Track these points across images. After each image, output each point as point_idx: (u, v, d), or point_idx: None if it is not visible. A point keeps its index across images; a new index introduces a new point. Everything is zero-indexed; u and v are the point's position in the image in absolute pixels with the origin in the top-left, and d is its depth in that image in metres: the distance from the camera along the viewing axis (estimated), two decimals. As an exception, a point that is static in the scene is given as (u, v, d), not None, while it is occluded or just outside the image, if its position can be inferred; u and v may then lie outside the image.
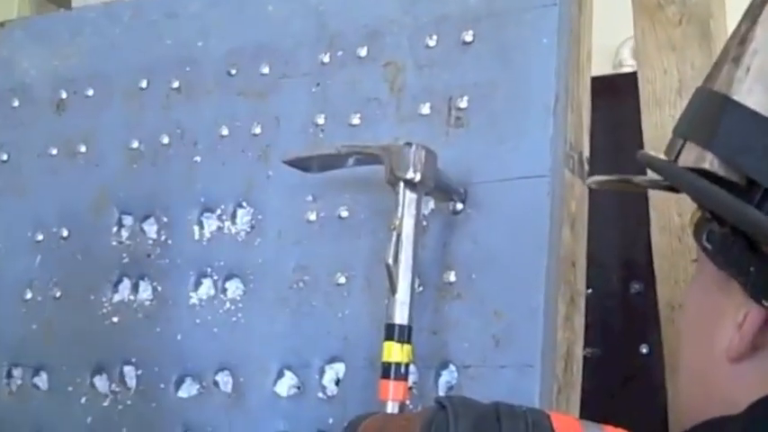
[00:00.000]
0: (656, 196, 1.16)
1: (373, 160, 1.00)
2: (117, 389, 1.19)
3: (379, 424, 0.76)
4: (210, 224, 1.20)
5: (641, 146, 1.17)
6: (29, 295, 1.30)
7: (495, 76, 1.06)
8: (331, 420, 1.04)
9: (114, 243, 1.26)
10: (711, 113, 0.60)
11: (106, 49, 1.35)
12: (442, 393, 0.98)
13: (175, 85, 1.27)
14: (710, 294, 0.63)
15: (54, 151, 1.35)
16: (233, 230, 1.18)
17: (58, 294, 1.28)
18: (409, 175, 0.94)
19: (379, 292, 1.03)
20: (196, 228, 1.20)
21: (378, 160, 0.98)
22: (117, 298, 1.24)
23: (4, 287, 1.33)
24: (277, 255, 1.13)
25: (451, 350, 0.99)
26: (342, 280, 1.08)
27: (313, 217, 1.12)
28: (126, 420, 1.18)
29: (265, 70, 1.21)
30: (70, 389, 1.23)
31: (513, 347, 0.96)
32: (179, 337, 1.17)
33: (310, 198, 1.13)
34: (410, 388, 0.96)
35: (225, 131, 1.21)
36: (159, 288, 1.21)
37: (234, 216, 1.18)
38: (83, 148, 1.33)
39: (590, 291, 1.07)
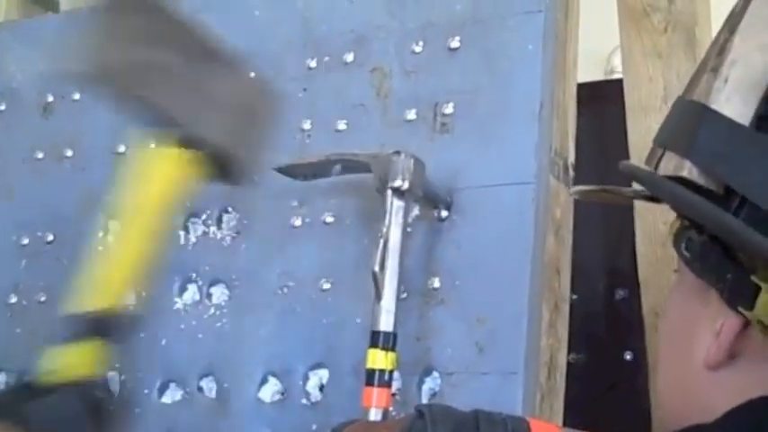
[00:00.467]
0: (641, 204, 1.16)
1: (362, 168, 1.00)
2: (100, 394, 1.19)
3: (359, 431, 0.76)
4: (196, 229, 1.20)
5: (627, 153, 1.17)
6: (13, 299, 1.29)
7: (481, 82, 1.06)
8: (315, 426, 1.04)
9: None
10: (690, 123, 0.60)
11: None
12: (425, 400, 0.98)
13: (162, 89, 1.27)
14: (690, 303, 0.64)
15: (40, 155, 1.35)
16: (218, 236, 1.18)
17: (42, 299, 1.27)
18: (397, 183, 0.95)
19: (364, 299, 1.03)
20: (182, 233, 1.20)
21: (366, 168, 0.99)
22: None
23: (-12, 291, 1.32)
24: (262, 260, 1.13)
25: (435, 357, 0.99)
26: (326, 286, 1.08)
27: (298, 222, 1.12)
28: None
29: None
30: (54, 394, 1.22)
31: (497, 354, 0.96)
32: (163, 343, 1.17)
33: (296, 204, 1.13)
34: (393, 395, 0.96)
35: (211, 136, 1.21)
36: (143, 293, 1.20)
37: (219, 221, 1.18)
38: (69, 152, 1.32)
39: (575, 297, 1.07)
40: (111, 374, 1.18)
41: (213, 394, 1.12)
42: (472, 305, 0.98)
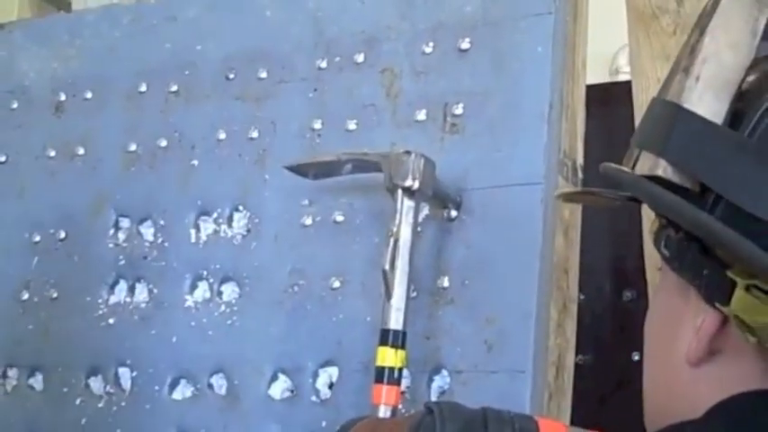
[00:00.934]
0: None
1: (372, 167, 1.01)
2: (112, 390, 1.20)
3: (368, 428, 0.77)
4: (207, 227, 1.21)
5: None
6: (25, 296, 1.31)
7: (491, 84, 1.07)
8: (324, 424, 1.05)
9: (111, 245, 1.27)
10: (664, 122, 0.61)
11: (105, 53, 1.36)
12: (434, 398, 0.99)
13: (174, 88, 1.28)
14: (671, 300, 0.65)
15: (52, 153, 1.36)
16: (229, 234, 1.19)
17: (54, 295, 1.29)
18: (408, 182, 0.96)
19: (374, 297, 1.04)
20: (193, 231, 1.21)
21: (377, 168, 0.99)
22: (113, 300, 1.24)
23: (0, 288, 1.33)
24: (273, 258, 1.14)
25: (444, 355, 1.00)
26: (336, 284, 1.08)
27: (309, 221, 1.13)
28: (120, 422, 1.18)
29: (263, 75, 1.22)
30: (65, 390, 1.23)
31: (505, 353, 0.97)
32: (174, 340, 1.18)
33: (306, 202, 1.13)
34: (402, 392, 0.97)
35: (222, 135, 1.22)
36: (155, 290, 1.22)
37: (230, 220, 1.19)
38: (81, 151, 1.33)
39: (582, 298, 1.08)
40: (123, 370, 1.20)
41: (223, 391, 1.13)
42: (481, 304, 0.99)
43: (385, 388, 0.91)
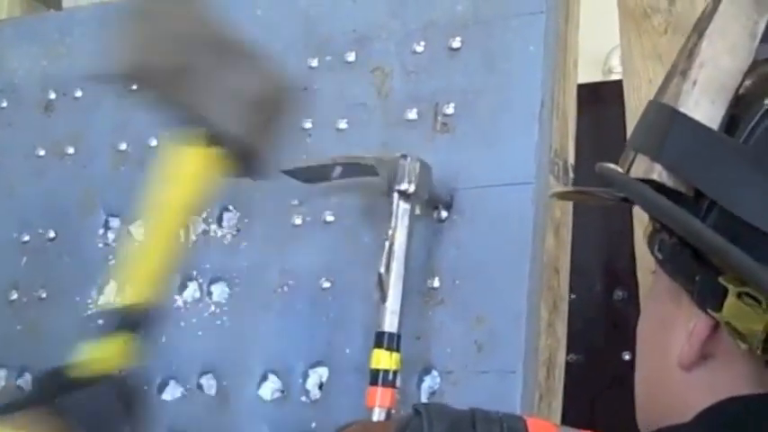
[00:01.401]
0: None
1: (368, 171, 1.01)
2: (101, 391, 1.19)
3: (358, 430, 0.76)
4: (197, 227, 1.20)
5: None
6: (14, 296, 1.30)
7: (482, 83, 1.07)
8: (314, 424, 1.04)
9: (101, 245, 1.26)
10: (660, 125, 0.61)
11: (96, 51, 1.35)
12: (424, 399, 0.99)
13: (164, 87, 1.27)
14: (665, 304, 0.64)
15: (42, 152, 1.35)
16: (219, 234, 1.18)
17: (43, 295, 1.28)
18: (404, 186, 0.96)
19: (364, 297, 1.04)
20: (182, 231, 1.20)
21: (373, 171, 0.99)
22: (103, 300, 1.24)
23: (-11, 288, 1.33)
24: (262, 259, 1.14)
25: (434, 355, 1.00)
26: (326, 284, 1.08)
27: (299, 221, 1.12)
28: (109, 422, 1.18)
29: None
30: (54, 390, 1.22)
31: (496, 353, 0.96)
32: (163, 340, 1.16)
33: (296, 202, 1.13)
34: (392, 393, 0.96)
35: (212, 135, 1.21)
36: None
37: (220, 219, 1.18)
38: (71, 150, 1.33)
39: (573, 297, 1.08)
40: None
41: (213, 392, 1.12)
42: (471, 304, 0.99)
43: (380, 390, 0.91)
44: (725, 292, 0.57)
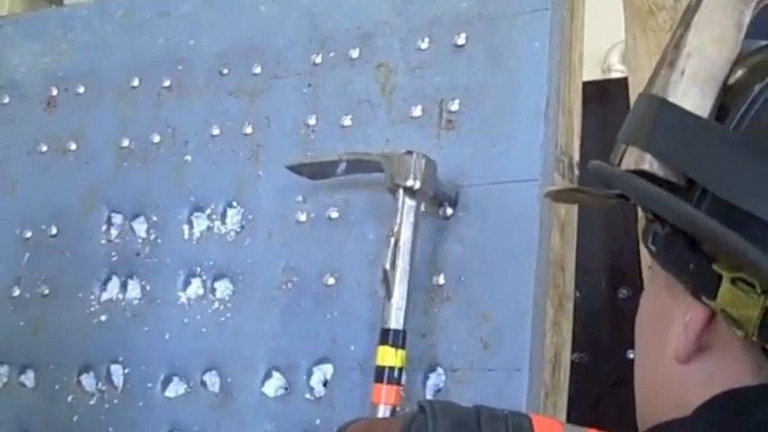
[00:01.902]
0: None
1: (374, 167, 1.00)
2: (104, 387, 1.19)
3: (362, 428, 0.76)
4: (200, 224, 1.20)
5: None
6: (16, 292, 1.30)
7: (487, 80, 1.06)
8: (318, 421, 1.04)
9: (103, 241, 1.26)
10: (649, 116, 0.61)
11: (98, 47, 1.35)
12: (429, 396, 0.98)
13: (167, 83, 1.27)
14: (661, 298, 0.64)
15: (44, 148, 1.35)
16: (223, 230, 1.18)
17: (46, 292, 1.28)
18: (409, 182, 0.96)
19: (368, 294, 1.04)
20: (186, 227, 1.20)
21: (378, 168, 0.99)
22: (105, 296, 1.23)
23: (-9, 284, 1.32)
24: (266, 255, 1.13)
25: (440, 353, 0.99)
26: (331, 281, 1.08)
27: (303, 218, 1.12)
28: (112, 419, 1.17)
29: (257, 70, 1.21)
30: (57, 387, 1.22)
31: (502, 351, 0.96)
32: (167, 337, 1.17)
33: (300, 199, 1.13)
34: (397, 390, 0.96)
35: (216, 131, 1.21)
36: (148, 287, 1.21)
37: (224, 216, 1.18)
38: (73, 146, 1.32)
39: (578, 296, 1.08)
40: (115, 367, 1.19)
41: (217, 388, 1.12)
42: (477, 302, 0.98)
43: (385, 387, 0.91)
44: (719, 279, 0.56)
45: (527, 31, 1.06)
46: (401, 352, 0.92)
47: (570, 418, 0.99)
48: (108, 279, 1.24)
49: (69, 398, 1.21)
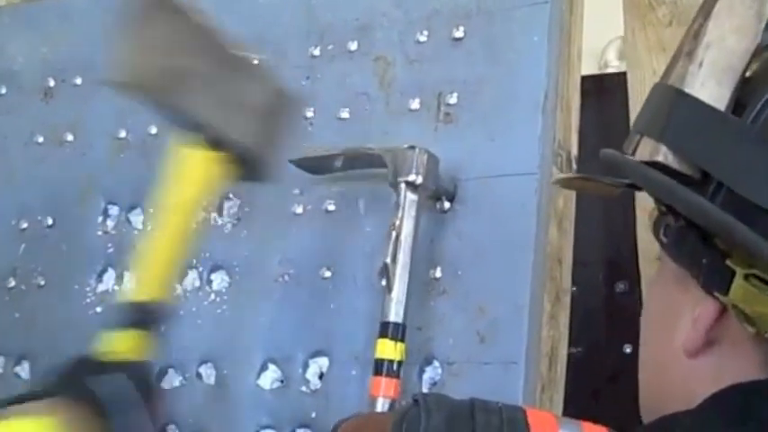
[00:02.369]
0: (642, 196, 1.16)
1: (376, 162, 1.00)
2: (99, 379, 1.19)
3: (354, 425, 0.76)
4: (196, 215, 1.19)
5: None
6: (12, 283, 1.29)
7: (485, 73, 1.06)
8: (314, 414, 1.04)
9: (100, 233, 1.26)
10: (665, 107, 0.60)
11: (95, 38, 1.34)
12: (425, 389, 0.98)
13: (164, 74, 1.26)
14: (670, 290, 0.64)
15: (41, 139, 1.34)
16: (219, 222, 1.17)
17: (41, 283, 1.27)
18: (411, 177, 0.96)
19: (365, 287, 1.04)
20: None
21: (381, 162, 0.99)
22: (101, 288, 1.23)
23: (-13, 275, 1.32)
24: (263, 247, 1.13)
25: (436, 346, 0.99)
26: (327, 274, 1.07)
27: (300, 210, 1.12)
28: (108, 411, 1.17)
29: (255, 62, 1.20)
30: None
31: (498, 344, 0.96)
32: (162, 328, 1.16)
33: (297, 191, 1.12)
34: (393, 384, 0.96)
35: (213, 122, 1.21)
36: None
37: (220, 208, 1.18)
38: (70, 137, 1.32)
39: (575, 289, 1.07)
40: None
41: (212, 381, 1.12)
42: (474, 295, 0.98)
43: (384, 380, 0.91)
44: (732, 274, 0.56)
45: (526, 24, 1.05)
46: (400, 345, 0.92)
47: (566, 413, 0.99)
48: (104, 270, 1.24)
49: (64, 389, 1.21)
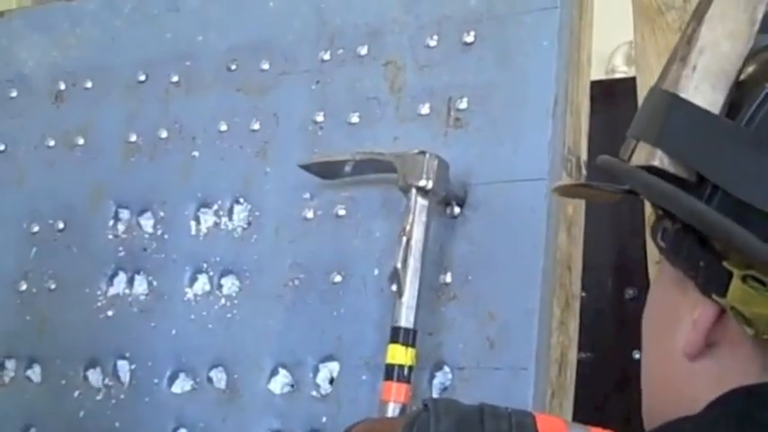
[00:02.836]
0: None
1: (387, 167, 1.01)
2: (110, 383, 1.19)
3: (367, 426, 0.76)
4: (207, 220, 1.20)
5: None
6: (23, 287, 1.30)
7: (495, 78, 1.06)
8: (324, 419, 1.04)
9: (110, 236, 1.26)
10: (660, 111, 0.61)
11: (106, 42, 1.35)
12: (436, 394, 0.98)
13: (175, 79, 1.27)
14: (669, 294, 0.64)
15: (51, 143, 1.35)
16: (230, 226, 1.18)
17: (52, 287, 1.28)
18: (422, 182, 0.96)
19: (375, 292, 1.04)
20: (193, 223, 1.20)
21: (391, 167, 0.99)
22: (112, 291, 1.24)
23: (-2, 278, 1.33)
24: (273, 252, 1.13)
25: (446, 351, 0.99)
26: (337, 279, 1.08)
27: (310, 215, 1.12)
28: (119, 415, 1.18)
29: (265, 66, 1.21)
30: (63, 382, 1.23)
31: (508, 350, 0.96)
32: (173, 333, 1.17)
33: (308, 196, 1.13)
34: (404, 388, 0.96)
35: (223, 127, 1.21)
36: (155, 282, 1.21)
37: (231, 212, 1.18)
38: (80, 141, 1.32)
39: (584, 295, 1.08)
40: (122, 363, 1.19)
41: (223, 385, 1.12)
42: (484, 301, 0.99)
43: (395, 385, 0.91)
44: (729, 276, 0.56)
45: (536, 29, 1.06)
46: (411, 350, 0.93)
47: (576, 418, 0.99)
48: (114, 274, 1.24)
49: (76, 393, 1.21)
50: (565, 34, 1.06)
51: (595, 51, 1.20)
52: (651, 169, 0.60)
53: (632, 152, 0.62)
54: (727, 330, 0.59)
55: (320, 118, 1.15)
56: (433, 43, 1.11)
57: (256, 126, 1.19)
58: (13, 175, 1.37)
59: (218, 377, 1.13)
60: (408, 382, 0.92)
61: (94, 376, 1.21)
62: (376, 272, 1.04)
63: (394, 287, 0.95)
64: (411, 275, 0.94)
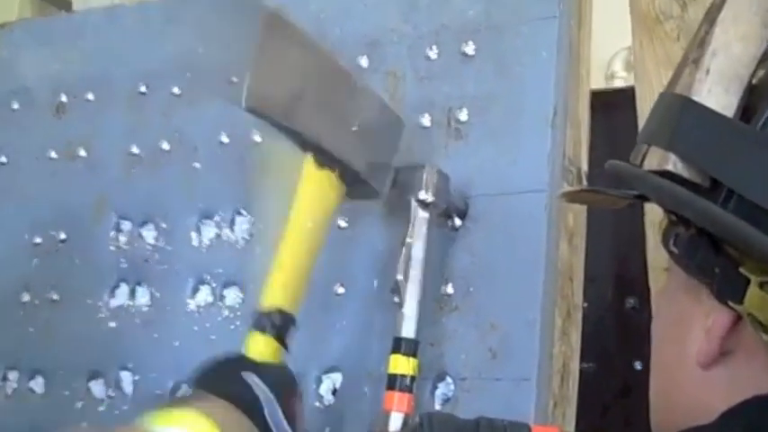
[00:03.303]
0: (652, 211, 1.16)
1: None
2: (113, 394, 1.20)
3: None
4: (209, 231, 1.20)
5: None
6: (26, 298, 1.30)
7: (495, 89, 1.07)
8: (327, 430, 1.04)
9: (112, 248, 1.27)
10: (673, 115, 0.60)
11: (107, 54, 1.35)
12: (438, 406, 0.98)
13: (176, 90, 1.28)
14: (681, 301, 0.63)
15: (53, 155, 1.35)
16: (232, 238, 1.18)
17: (55, 298, 1.28)
18: (422, 195, 0.97)
19: (378, 304, 1.04)
20: (194, 234, 1.21)
21: (392, 180, 1.00)
22: (114, 303, 1.24)
23: (0, 290, 1.32)
24: (276, 263, 1.13)
25: (448, 362, 1.00)
26: (340, 290, 1.08)
27: (312, 226, 1.12)
28: (122, 426, 1.18)
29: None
30: (66, 393, 1.23)
31: (510, 360, 0.96)
32: (176, 344, 1.17)
33: (309, 207, 1.13)
34: (405, 399, 0.96)
35: (225, 138, 1.22)
36: (157, 294, 1.21)
37: (232, 223, 1.19)
38: (82, 153, 1.33)
39: (585, 305, 1.08)
40: (124, 374, 1.20)
41: (226, 396, 1.12)
42: (486, 311, 0.99)
43: (397, 395, 0.92)
44: (746, 282, 0.56)
45: (534, 40, 1.06)
46: (413, 361, 0.93)
47: (578, 428, 1.00)
48: (117, 286, 1.25)
49: (79, 404, 1.21)
50: (564, 44, 1.06)
51: (595, 57, 1.20)
52: (664, 174, 0.59)
53: (644, 157, 0.62)
54: (742, 338, 0.59)
55: (321, 129, 1.15)
56: (432, 54, 1.12)
57: (258, 138, 1.19)
58: (15, 187, 1.37)
59: (221, 388, 1.13)
60: (411, 391, 0.92)
61: (97, 387, 1.21)
62: (378, 283, 1.05)
63: (396, 298, 0.96)
64: (412, 287, 0.95)
